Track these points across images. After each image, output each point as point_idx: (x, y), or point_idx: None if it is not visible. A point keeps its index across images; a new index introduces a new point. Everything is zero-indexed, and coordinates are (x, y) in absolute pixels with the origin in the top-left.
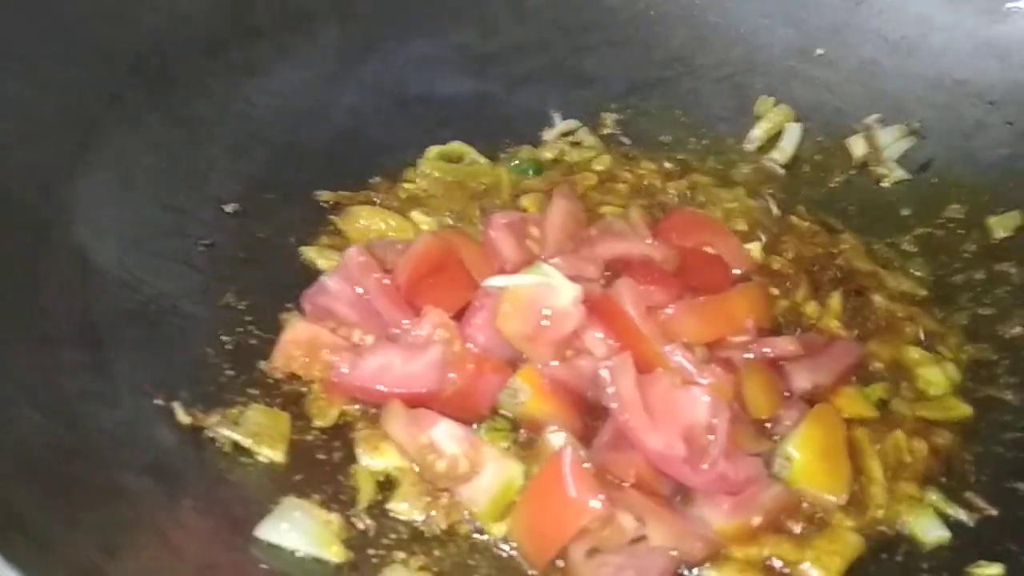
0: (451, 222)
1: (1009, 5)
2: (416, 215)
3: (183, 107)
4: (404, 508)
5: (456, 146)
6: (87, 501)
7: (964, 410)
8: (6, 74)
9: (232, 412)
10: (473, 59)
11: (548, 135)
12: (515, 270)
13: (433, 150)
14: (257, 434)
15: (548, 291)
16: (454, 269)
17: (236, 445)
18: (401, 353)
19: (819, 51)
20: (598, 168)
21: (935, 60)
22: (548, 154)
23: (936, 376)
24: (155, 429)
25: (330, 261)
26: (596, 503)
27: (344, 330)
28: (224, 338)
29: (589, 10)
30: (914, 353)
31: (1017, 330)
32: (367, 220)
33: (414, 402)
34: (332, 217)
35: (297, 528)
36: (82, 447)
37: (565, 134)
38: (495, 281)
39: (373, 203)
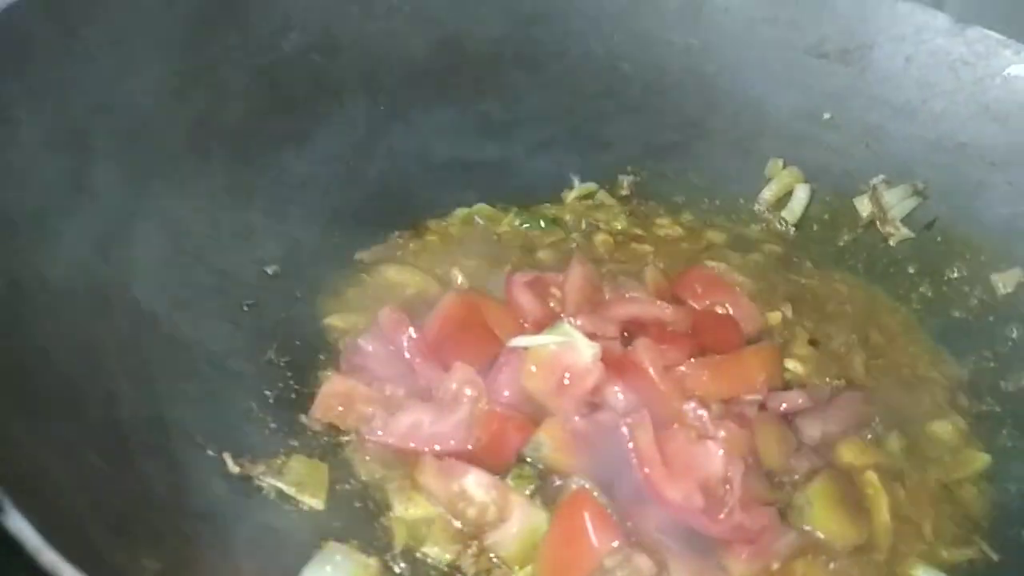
0: (476, 275)
1: (1008, 71)
2: (444, 273)
3: (226, 175)
4: (436, 552)
5: (481, 207)
6: (152, 542)
7: (982, 460)
8: (64, 149)
9: (276, 462)
10: (495, 126)
11: (568, 197)
12: (537, 325)
13: (460, 212)
14: (299, 483)
15: (569, 350)
16: (478, 327)
17: (281, 493)
18: (430, 412)
19: (826, 115)
20: (615, 227)
21: (937, 124)
22: (567, 214)
23: (944, 429)
24: (208, 478)
25: (355, 328)
26: (613, 541)
27: (377, 384)
28: (267, 392)
29: (605, 78)
30: (923, 406)
31: (1021, 384)
32: (395, 276)
33: (443, 457)
34: (363, 275)
35: (339, 571)
36: (145, 494)
37: (584, 196)
38: (519, 341)
39: (398, 258)
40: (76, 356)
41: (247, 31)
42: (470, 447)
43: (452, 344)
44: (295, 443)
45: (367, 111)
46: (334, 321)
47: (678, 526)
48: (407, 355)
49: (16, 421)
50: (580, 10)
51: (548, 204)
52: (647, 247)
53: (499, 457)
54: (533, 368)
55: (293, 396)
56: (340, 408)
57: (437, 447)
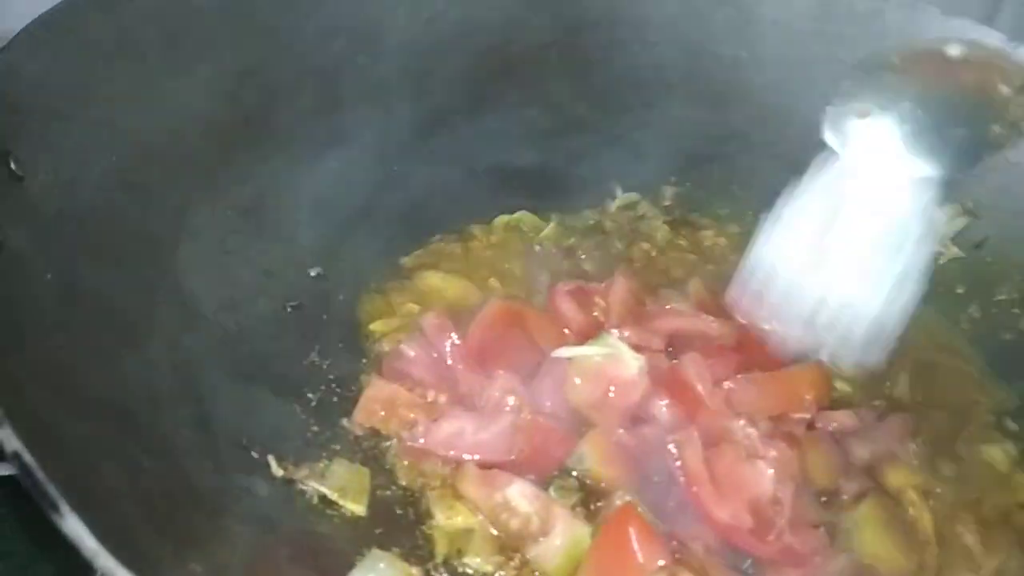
0: (518, 283)
1: None
2: (485, 279)
3: (271, 176)
4: (477, 563)
5: (523, 215)
6: (197, 545)
7: None
8: (114, 148)
9: (318, 466)
10: (539, 134)
11: (610, 206)
12: (580, 335)
13: (502, 219)
14: (342, 488)
15: (614, 362)
16: (520, 335)
17: (323, 498)
18: (473, 420)
19: None
20: (658, 237)
21: None
22: (609, 223)
23: (994, 454)
24: (252, 481)
25: (397, 333)
26: (659, 559)
27: (419, 390)
28: (309, 395)
29: (649, 88)
30: (971, 430)
31: None
32: (437, 282)
33: (485, 466)
34: (405, 280)
35: None
36: (191, 496)
37: (626, 205)
38: (564, 351)
39: (440, 265)
40: (123, 357)
41: (296, 33)
42: (512, 457)
43: (494, 352)
44: (337, 447)
45: (412, 115)
46: (376, 325)
47: (726, 546)
48: (450, 361)
49: (66, 421)
50: (626, 20)
51: (590, 213)
52: (691, 256)
53: (541, 468)
54: (577, 380)
55: (335, 400)
56: (382, 413)
57: (478, 456)
